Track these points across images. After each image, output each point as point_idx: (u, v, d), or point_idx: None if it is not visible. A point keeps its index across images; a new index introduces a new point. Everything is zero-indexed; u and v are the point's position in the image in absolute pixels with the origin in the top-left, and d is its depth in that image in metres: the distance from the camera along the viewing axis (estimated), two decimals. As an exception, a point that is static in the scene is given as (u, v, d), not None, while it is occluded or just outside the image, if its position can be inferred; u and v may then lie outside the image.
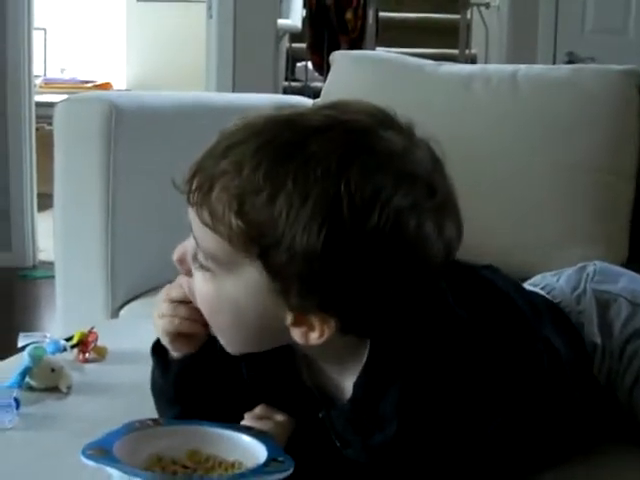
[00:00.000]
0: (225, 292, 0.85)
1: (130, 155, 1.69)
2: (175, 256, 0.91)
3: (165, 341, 0.96)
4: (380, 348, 0.87)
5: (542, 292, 1.11)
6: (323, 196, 0.78)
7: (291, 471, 0.82)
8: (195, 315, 0.92)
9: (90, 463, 0.82)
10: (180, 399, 0.98)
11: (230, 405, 0.96)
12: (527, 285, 1.17)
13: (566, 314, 1.07)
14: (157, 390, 1.01)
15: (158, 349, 0.99)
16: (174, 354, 0.98)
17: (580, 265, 1.16)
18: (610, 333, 1.06)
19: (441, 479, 0.87)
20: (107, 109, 1.63)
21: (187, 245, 0.89)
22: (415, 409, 0.85)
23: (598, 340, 1.05)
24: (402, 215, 0.79)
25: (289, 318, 0.84)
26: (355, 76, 2.06)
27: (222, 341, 0.91)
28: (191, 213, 0.85)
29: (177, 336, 0.94)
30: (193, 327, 0.93)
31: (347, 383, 0.91)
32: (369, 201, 0.78)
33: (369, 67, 2.08)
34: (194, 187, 0.83)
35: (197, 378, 0.97)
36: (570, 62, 4.08)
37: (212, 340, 0.94)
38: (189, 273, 0.89)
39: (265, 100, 2.18)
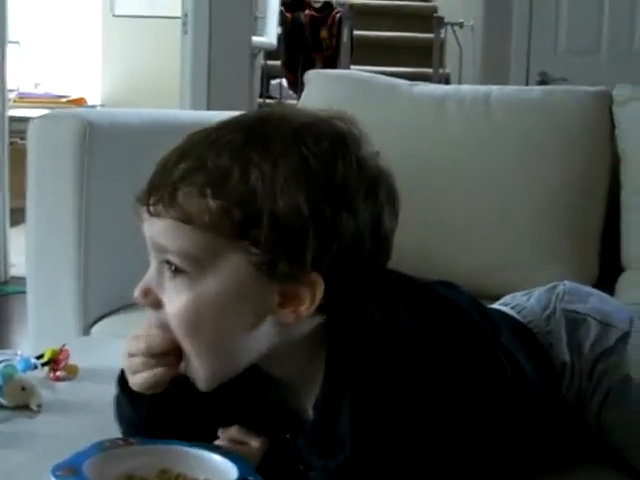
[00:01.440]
0: (206, 293, 0.85)
1: (103, 172, 1.69)
2: (137, 292, 0.89)
3: (138, 389, 0.93)
4: (335, 364, 0.88)
5: (512, 312, 1.12)
6: (290, 159, 0.83)
7: None
8: (169, 360, 0.90)
9: (61, 483, 0.82)
10: (150, 428, 0.96)
11: (200, 427, 0.95)
12: (497, 305, 1.17)
13: (533, 333, 1.08)
14: (125, 420, 0.99)
15: (123, 382, 0.97)
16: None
17: (550, 285, 1.16)
18: (580, 352, 1.06)
19: None
20: (81, 126, 1.63)
21: (146, 277, 0.89)
22: (367, 425, 0.86)
23: (567, 359, 1.05)
24: (362, 164, 0.87)
25: (276, 299, 0.85)
26: (329, 95, 2.06)
27: (198, 370, 0.88)
28: (152, 225, 0.86)
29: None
30: (170, 373, 0.91)
31: (309, 405, 0.92)
32: (330, 156, 0.85)
33: (343, 86, 2.09)
34: (155, 198, 0.85)
35: (168, 409, 0.96)
36: (543, 82, 4.11)
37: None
38: (157, 304, 0.88)
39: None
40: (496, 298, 1.26)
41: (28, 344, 1.75)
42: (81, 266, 1.66)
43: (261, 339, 0.88)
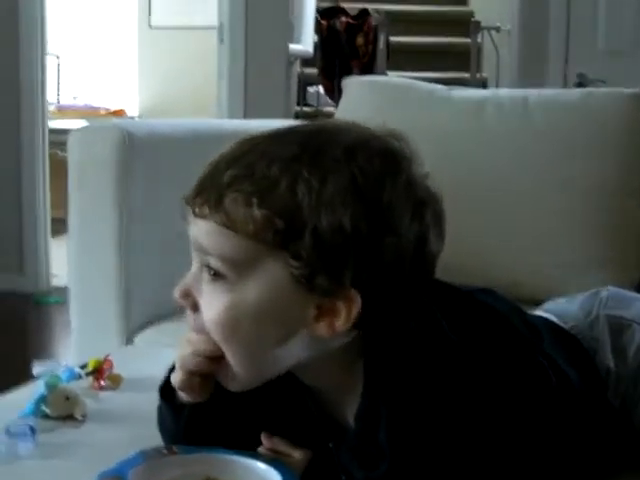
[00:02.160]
0: (243, 300, 0.86)
1: (143, 182, 1.70)
2: (177, 292, 0.90)
3: (180, 386, 0.94)
4: (373, 377, 0.88)
5: (554, 318, 1.11)
6: (339, 176, 0.84)
7: None
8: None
9: (106, 492, 0.83)
10: (191, 438, 0.96)
11: (240, 437, 0.95)
12: (539, 311, 1.16)
13: (577, 339, 1.07)
14: (167, 430, 1.00)
15: (166, 392, 0.99)
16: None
17: (593, 291, 1.15)
18: (624, 358, 1.05)
19: None
20: (120, 137, 1.64)
21: (187, 278, 0.90)
22: (405, 436, 0.85)
23: (612, 365, 1.04)
24: (411, 185, 0.87)
25: (313, 312, 0.86)
26: (367, 101, 2.06)
27: (233, 371, 0.89)
28: (197, 226, 0.87)
29: (193, 380, 0.93)
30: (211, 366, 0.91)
31: (350, 414, 0.92)
32: (380, 175, 0.85)
33: (381, 92, 2.08)
34: (202, 200, 0.86)
35: (209, 420, 0.97)
36: (581, 84, 4.08)
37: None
38: (195, 307, 0.89)
39: (277, 125, 2.18)
40: (535, 303, 1.25)
41: (70, 354, 1.76)
42: (123, 276, 1.67)
43: (294, 350, 0.88)
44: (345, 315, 0.85)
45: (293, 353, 0.88)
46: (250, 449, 0.94)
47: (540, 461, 0.93)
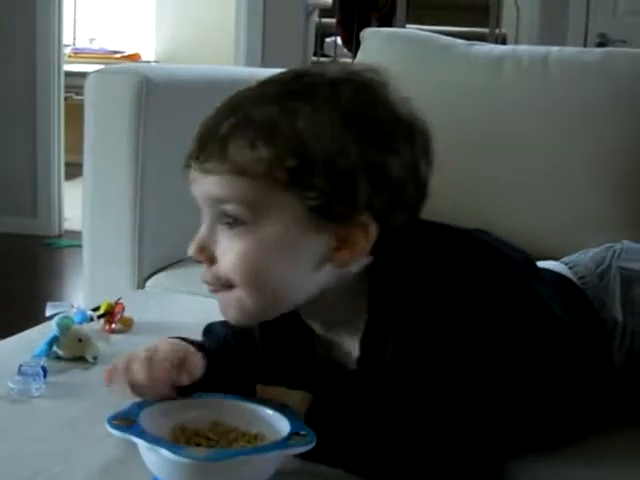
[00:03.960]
0: (264, 239, 0.88)
1: (160, 127, 1.69)
2: (192, 249, 0.92)
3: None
4: (378, 298, 0.91)
5: (564, 267, 1.11)
6: (332, 107, 0.88)
7: (313, 445, 0.83)
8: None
9: (116, 433, 0.84)
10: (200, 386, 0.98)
11: (250, 384, 0.97)
12: (550, 262, 1.17)
13: (580, 289, 1.08)
14: None
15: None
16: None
17: (608, 245, 1.15)
18: (632, 311, 1.05)
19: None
20: (138, 81, 1.64)
21: (200, 234, 0.92)
22: (410, 354, 0.88)
23: (619, 317, 1.05)
24: (396, 106, 0.91)
25: (333, 243, 0.89)
26: (385, 54, 2.04)
27: (245, 305, 0.91)
28: (206, 181, 0.89)
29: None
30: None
31: (354, 350, 0.95)
32: (370, 101, 0.90)
33: (399, 45, 2.06)
34: (206, 155, 0.89)
35: (219, 368, 0.99)
36: (601, 44, 4.04)
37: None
38: (212, 259, 0.91)
39: (295, 75, 2.17)
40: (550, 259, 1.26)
41: (83, 297, 1.77)
42: (136, 220, 1.68)
43: (317, 281, 0.91)
44: (364, 241, 0.89)
45: (313, 285, 0.92)
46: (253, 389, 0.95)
47: (532, 402, 0.94)
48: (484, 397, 0.88)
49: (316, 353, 1.00)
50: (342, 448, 0.88)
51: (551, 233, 1.76)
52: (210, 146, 0.89)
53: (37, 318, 1.31)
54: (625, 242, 1.16)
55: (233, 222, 0.89)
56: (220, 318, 1.10)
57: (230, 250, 0.89)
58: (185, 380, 0.94)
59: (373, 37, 2.12)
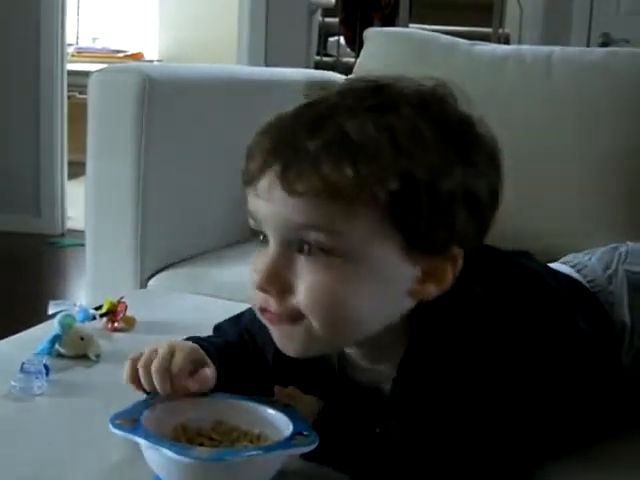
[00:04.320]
0: (357, 270, 0.81)
1: (163, 126, 1.70)
2: (262, 277, 0.83)
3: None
4: (421, 336, 0.87)
5: (572, 270, 1.11)
6: (426, 122, 0.80)
7: (315, 445, 0.83)
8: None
9: (118, 432, 0.84)
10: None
11: (259, 388, 0.96)
12: (558, 263, 1.17)
13: (592, 292, 1.07)
14: None
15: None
16: None
17: (612, 245, 1.15)
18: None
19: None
20: (140, 80, 1.64)
21: (269, 261, 0.83)
22: (447, 389, 0.85)
23: (628, 320, 1.04)
24: (475, 122, 0.84)
25: (418, 276, 0.83)
26: (388, 53, 2.05)
27: (315, 339, 0.84)
28: (283, 202, 0.80)
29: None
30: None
31: (382, 378, 0.92)
32: (457, 118, 0.83)
33: (402, 44, 2.07)
34: (294, 176, 0.79)
35: (229, 373, 0.97)
36: (604, 44, 4.04)
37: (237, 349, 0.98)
38: (286, 289, 0.83)
39: (297, 75, 2.17)
40: (554, 260, 1.25)
41: (85, 296, 1.77)
42: (139, 219, 1.68)
43: (393, 313, 0.86)
44: (451, 274, 0.83)
45: (389, 317, 0.86)
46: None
47: (554, 411, 0.94)
48: (514, 430, 0.85)
49: (332, 371, 0.96)
50: (350, 455, 0.87)
51: (548, 234, 1.75)
52: (298, 165, 0.79)
53: (40, 316, 1.31)
54: (630, 244, 1.16)
55: (319, 251, 0.81)
56: (222, 318, 1.10)
57: (309, 281, 0.81)
58: (194, 388, 0.91)
59: (376, 37, 2.12)
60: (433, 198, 0.79)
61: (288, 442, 0.84)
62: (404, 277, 0.83)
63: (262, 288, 0.84)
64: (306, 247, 0.81)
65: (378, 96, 0.82)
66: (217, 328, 1.09)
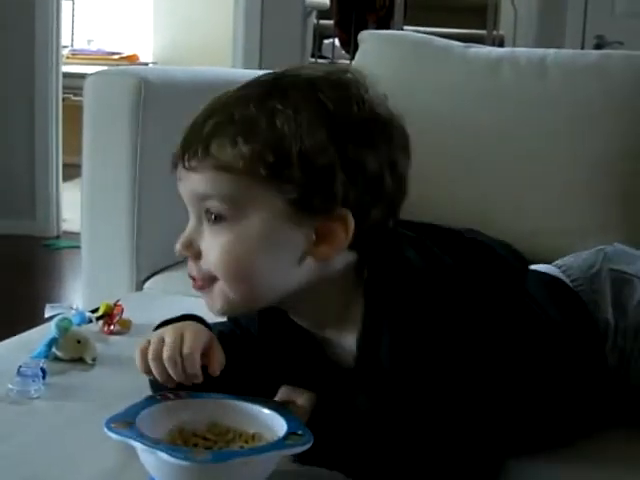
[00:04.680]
0: (246, 234, 0.91)
1: (158, 129, 1.70)
2: (179, 245, 0.95)
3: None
4: (375, 298, 0.93)
5: (558, 270, 1.12)
6: (310, 104, 0.91)
7: (310, 444, 0.84)
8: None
9: (114, 436, 0.84)
10: (200, 386, 0.98)
11: (252, 386, 0.97)
12: (542, 265, 1.18)
13: (575, 292, 1.09)
14: None
15: None
16: None
17: (598, 247, 1.17)
18: (624, 312, 1.06)
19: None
20: (136, 83, 1.64)
21: (186, 231, 0.95)
22: (406, 351, 0.90)
23: (611, 318, 1.06)
24: (372, 103, 0.94)
25: (312, 237, 0.92)
26: (383, 56, 2.05)
27: (229, 298, 0.93)
28: (190, 179, 0.93)
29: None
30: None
31: (352, 348, 0.96)
32: (346, 98, 0.93)
33: (397, 48, 2.07)
34: (190, 154, 0.92)
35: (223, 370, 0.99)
36: (599, 46, 4.05)
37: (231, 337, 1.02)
38: (198, 254, 0.94)
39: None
40: (543, 263, 1.27)
41: (81, 298, 1.77)
42: (134, 222, 1.68)
43: (299, 275, 0.94)
44: (343, 234, 0.92)
45: (294, 280, 0.94)
46: (254, 389, 0.96)
47: (527, 401, 0.95)
48: (479, 393, 0.90)
49: (314, 352, 1.02)
50: (341, 449, 0.89)
51: (543, 235, 1.76)
52: (194, 145, 0.92)
53: (36, 319, 1.32)
54: (616, 244, 1.17)
55: (216, 218, 0.92)
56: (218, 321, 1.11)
57: (213, 245, 0.93)
58: (212, 370, 0.96)
59: (371, 39, 2.12)
60: (305, 168, 0.89)
61: (282, 442, 0.85)
62: (295, 239, 0.92)
63: (181, 254, 0.95)
64: (209, 216, 0.93)
65: (273, 84, 0.94)
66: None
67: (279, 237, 0.92)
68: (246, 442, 0.89)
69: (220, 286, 0.93)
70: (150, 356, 0.95)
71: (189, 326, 0.99)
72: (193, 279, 0.97)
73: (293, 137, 0.90)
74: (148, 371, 0.97)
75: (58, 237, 4.64)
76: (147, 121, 1.66)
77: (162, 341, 0.96)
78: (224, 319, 1.07)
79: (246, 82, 0.97)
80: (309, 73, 0.96)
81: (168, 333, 0.97)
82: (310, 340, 1.02)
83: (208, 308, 0.97)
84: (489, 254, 1.00)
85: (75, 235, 4.44)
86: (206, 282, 0.95)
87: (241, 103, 0.92)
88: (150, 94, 1.66)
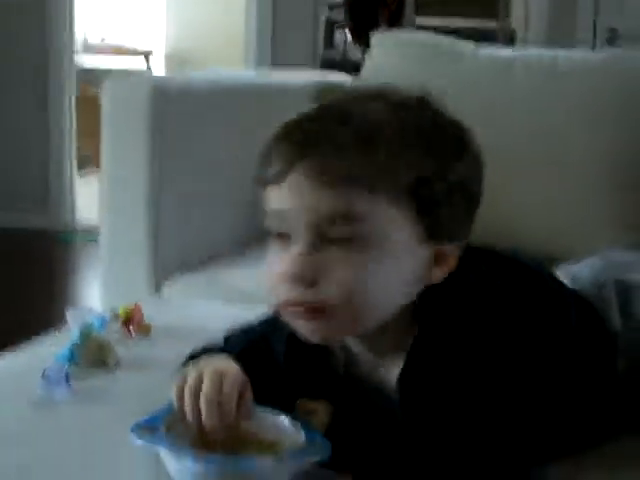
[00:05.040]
0: (382, 257, 0.85)
1: (176, 132, 1.73)
2: (292, 272, 0.85)
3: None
4: (429, 324, 0.90)
5: (566, 280, 1.14)
6: (433, 125, 0.88)
7: (328, 454, 0.86)
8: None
9: (139, 442, 0.86)
10: None
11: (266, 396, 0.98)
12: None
13: (589, 301, 1.10)
14: None
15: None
16: None
17: (602, 254, 1.19)
18: (631, 322, 1.08)
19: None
20: (152, 89, 1.67)
21: (296, 254, 0.85)
22: (454, 378, 0.88)
23: (619, 327, 1.07)
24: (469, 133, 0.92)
25: (432, 259, 0.88)
26: (395, 59, 2.08)
27: (351, 328, 0.89)
28: (315, 194, 0.83)
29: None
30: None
31: (388, 375, 0.94)
32: (454, 123, 0.91)
33: (409, 50, 2.09)
34: (320, 165, 0.83)
35: None
36: (611, 39, 4.06)
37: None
38: (313, 281, 0.85)
39: (305, 78, 2.21)
40: (551, 260, 1.28)
41: (99, 299, 1.79)
42: (153, 225, 1.71)
43: (403, 300, 0.89)
44: (454, 259, 0.89)
45: (399, 303, 0.89)
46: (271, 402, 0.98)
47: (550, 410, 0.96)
48: (520, 407, 0.89)
49: (336, 370, 0.99)
50: (360, 461, 0.91)
51: (552, 233, 1.79)
52: (327, 156, 0.83)
53: (50, 313, 1.33)
54: (619, 251, 1.19)
55: (342, 242, 0.84)
56: (236, 325, 1.13)
57: (340, 274, 0.84)
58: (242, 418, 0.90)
59: (382, 41, 2.15)
60: (446, 188, 0.85)
61: (302, 451, 0.87)
62: (418, 262, 0.87)
63: (293, 280, 0.85)
64: (333, 238, 0.84)
65: (388, 97, 0.89)
66: (227, 339, 1.08)
67: (409, 263, 0.86)
68: (265, 448, 0.91)
69: (331, 313, 0.86)
70: (187, 392, 0.88)
71: (228, 369, 0.91)
72: (290, 304, 0.88)
73: (432, 161, 0.85)
74: (182, 410, 0.89)
75: (72, 231, 4.65)
76: (165, 124, 1.69)
77: (200, 379, 0.89)
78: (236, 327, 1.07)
79: (354, 89, 0.95)
80: (404, 93, 0.91)
81: (207, 372, 0.89)
82: (334, 358, 0.98)
83: (304, 334, 0.90)
84: (541, 282, 1.00)
85: (89, 228, 4.47)
86: (318, 312, 0.86)
87: (374, 112, 0.86)
88: (165, 99, 1.68)
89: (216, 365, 0.91)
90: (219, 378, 0.88)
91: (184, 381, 0.89)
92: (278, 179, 0.85)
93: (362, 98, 0.90)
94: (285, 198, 0.85)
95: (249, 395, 0.91)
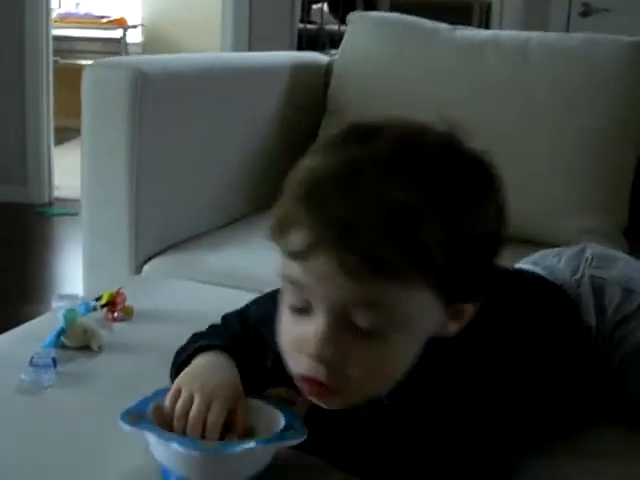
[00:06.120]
0: (408, 340, 0.84)
1: (156, 116, 1.74)
2: (316, 349, 0.81)
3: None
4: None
5: (543, 272, 1.18)
6: (460, 178, 0.82)
7: (304, 438, 0.89)
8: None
9: (128, 428, 0.90)
10: None
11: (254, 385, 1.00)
12: (527, 262, 1.24)
13: (567, 295, 1.14)
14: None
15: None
16: None
17: (578, 248, 1.22)
18: (603, 316, 1.12)
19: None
20: (133, 75, 1.68)
21: (319, 334, 0.81)
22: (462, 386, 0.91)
23: (593, 322, 1.12)
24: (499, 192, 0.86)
25: (446, 317, 0.85)
26: (371, 39, 2.10)
27: (367, 396, 0.88)
28: (340, 281, 0.78)
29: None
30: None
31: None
32: (482, 162, 0.86)
33: (386, 29, 2.12)
34: (356, 259, 0.76)
35: None
36: (585, 13, 4.08)
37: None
38: (336, 366, 0.82)
39: (282, 59, 2.23)
40: (525, 243, 1.31)
41: (82, 281, 1.80)
42: (133, 207, 1.73)
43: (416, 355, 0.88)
44: (471, 312, 0.87)
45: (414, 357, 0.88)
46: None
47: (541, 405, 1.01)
48: (507, 416, 0.92)
49: None
50: (335, 446, 0.95)
51: (526, 216, 1.79)
52: (351, 247, 0.76)
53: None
54: (594, 245, 1.23)
55: (371, 326, 0.81)
56: (219, 306, 1.15)
57: (363, 359, 0.82)
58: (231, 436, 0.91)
59: (360, 21, 2.17)
60: (472, 262, 0.82)
61: (281, 435, 0.91)
62: (435, 324, 0.86)
63: (316, 359, 0.82)
64: (359, 322, 0.81)
65: (404, 152, 0.80)
66: (224, 318, 1.11)
67: (429, 330, 0.85)
68: (244, 435, 0.94)
69: (351, 393, 0.86)
70: (177, 413, 0.91)
71: (221, 386, 0.93)
72: (310, 380, 0.85)
73: (460, 225, 0.80)
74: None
75: (50, 204, 4.63)
76: (145, 109, 1.70)
77: (191, 400, 0.91)
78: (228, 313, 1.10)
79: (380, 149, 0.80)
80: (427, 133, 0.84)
81: (198, 394, 0.91)
82: None
83: (323, 404, 0.88)
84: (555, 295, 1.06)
85: (67, 202, 4.46)
86: (336, 393, 0.85)
87: (388, 181, 0.77)
88: (146, 83, 1.69)
89: (208, 383, 0.93)
90: (207, 403, 0.90)
91: (178, 394, 0.92)
92: (298, 257, 0.80)
93: (371, 154, 0.79)
94: (306, 275, 0.80)
95: (240, 409, 0.93)
